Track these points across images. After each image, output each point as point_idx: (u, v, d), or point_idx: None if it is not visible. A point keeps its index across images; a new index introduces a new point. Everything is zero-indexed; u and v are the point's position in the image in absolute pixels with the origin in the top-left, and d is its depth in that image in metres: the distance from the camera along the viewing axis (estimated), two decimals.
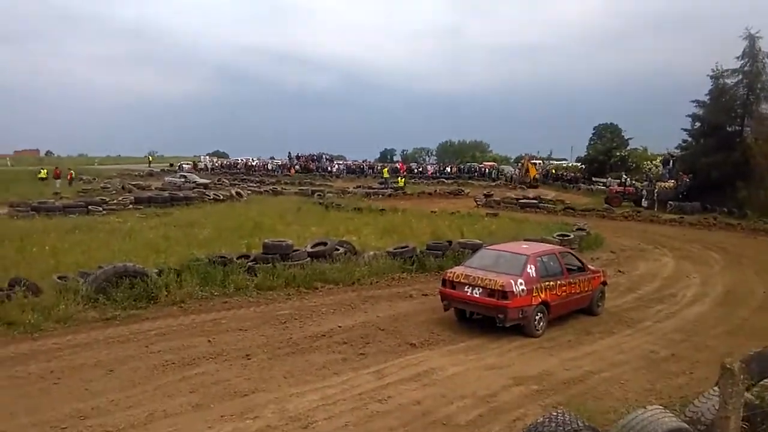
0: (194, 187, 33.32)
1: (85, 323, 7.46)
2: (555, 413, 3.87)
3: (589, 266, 9.20)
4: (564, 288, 8.17)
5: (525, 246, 9.05)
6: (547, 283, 7.86)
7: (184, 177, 38.99)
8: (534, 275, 7.74)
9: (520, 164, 55.07)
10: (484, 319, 7.89)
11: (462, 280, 7.84)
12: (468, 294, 7.73)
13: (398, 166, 63.25)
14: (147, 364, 6.23)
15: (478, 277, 7.70)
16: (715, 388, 3.98)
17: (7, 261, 10.53)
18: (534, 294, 7.63)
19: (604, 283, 9.25)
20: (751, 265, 14.18)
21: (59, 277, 8.61)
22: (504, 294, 7.38)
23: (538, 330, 7.73)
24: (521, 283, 7.51)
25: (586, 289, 8.65)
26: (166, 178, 39.97)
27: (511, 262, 7.96)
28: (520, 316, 7.50)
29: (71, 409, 5.06)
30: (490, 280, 7.57)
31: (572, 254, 9.39)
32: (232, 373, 6.06)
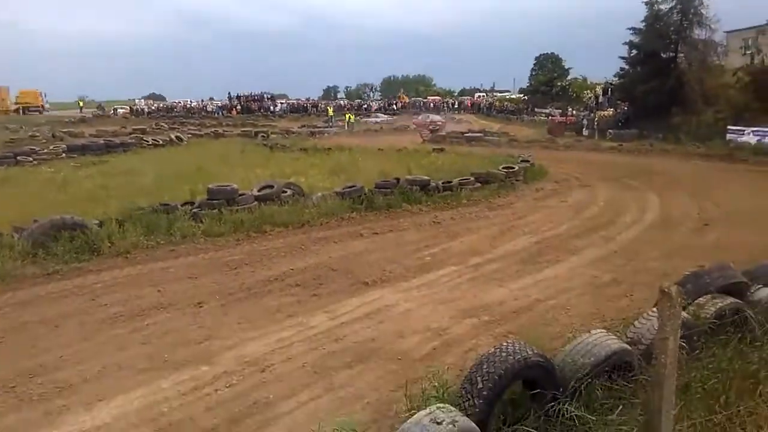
0: (131, 132, 32.11)
1: (26, 279, 7.18)
2: (506, 342, 3.99)
3: None
4: None
5: None
6: None
7: None
8: None
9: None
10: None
11: None
12: None
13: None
14: (95, 317, 6.08)
15: None
16: (654, 309, 4.18)
17: None
18: None
19: None
20: (685, 189, 14.81)
21: None
22: None
23: None
24: None
25: None
26: None
27: None
28: None
29: (19, 367, 4.91)
30: None
31: None
32: (184, 322, 5.99)
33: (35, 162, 20.93)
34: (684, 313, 3.95)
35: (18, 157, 21.00)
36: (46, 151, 23.04)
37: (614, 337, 4.22)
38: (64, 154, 22.95)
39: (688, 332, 4.05)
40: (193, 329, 5.79)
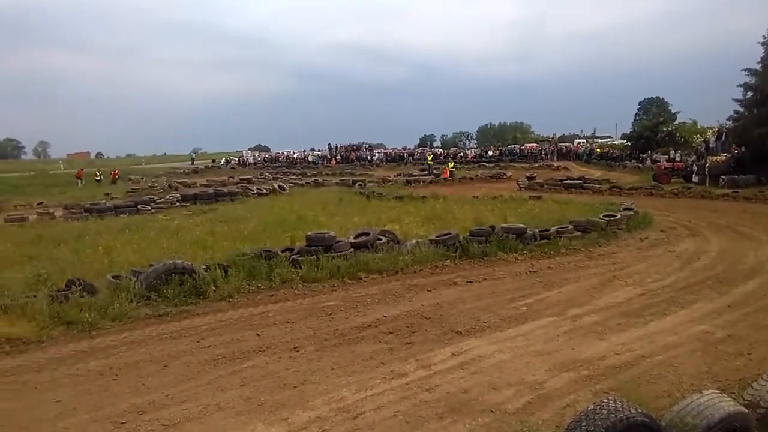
0: (238, 182, 34.08)
1: (139, 320, 7.71)
2: (606, 400, 3.80)
3: None
4: None
5: None
6: None
7: None
8: None
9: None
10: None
11: None
12: None
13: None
14: (199, 358, 6.40)
15: None
16: None
17: (63, 262, 10.97)
18: None
19: None
20: None
21: (113, 277, 8.91)
22: None
23: None
24: None
25: None
26: None
27: None
28: None
29: (129, 404, 5.25)
30: None
31: None
32: (281, 365, 6.16)
33: (153, 210, 22.68)
34: None
35: (138, 206, 22.86)
36: (162, 200, 24.91)
37: (729, 398, 3.91)
38: (178, 203, 24.71)
39: None
40: (289, 373, 5.93)
